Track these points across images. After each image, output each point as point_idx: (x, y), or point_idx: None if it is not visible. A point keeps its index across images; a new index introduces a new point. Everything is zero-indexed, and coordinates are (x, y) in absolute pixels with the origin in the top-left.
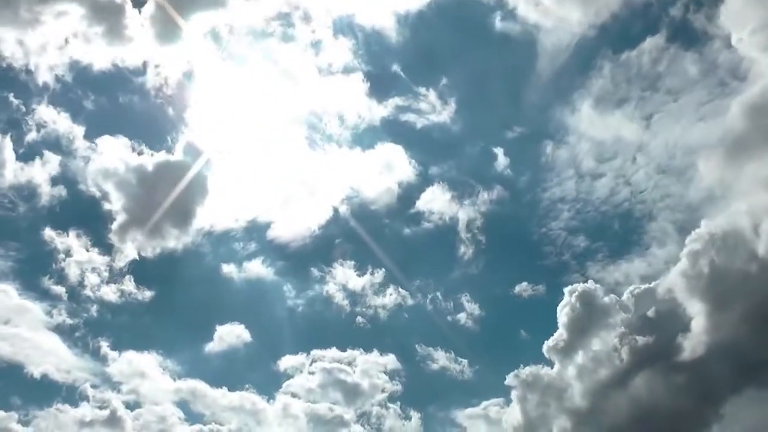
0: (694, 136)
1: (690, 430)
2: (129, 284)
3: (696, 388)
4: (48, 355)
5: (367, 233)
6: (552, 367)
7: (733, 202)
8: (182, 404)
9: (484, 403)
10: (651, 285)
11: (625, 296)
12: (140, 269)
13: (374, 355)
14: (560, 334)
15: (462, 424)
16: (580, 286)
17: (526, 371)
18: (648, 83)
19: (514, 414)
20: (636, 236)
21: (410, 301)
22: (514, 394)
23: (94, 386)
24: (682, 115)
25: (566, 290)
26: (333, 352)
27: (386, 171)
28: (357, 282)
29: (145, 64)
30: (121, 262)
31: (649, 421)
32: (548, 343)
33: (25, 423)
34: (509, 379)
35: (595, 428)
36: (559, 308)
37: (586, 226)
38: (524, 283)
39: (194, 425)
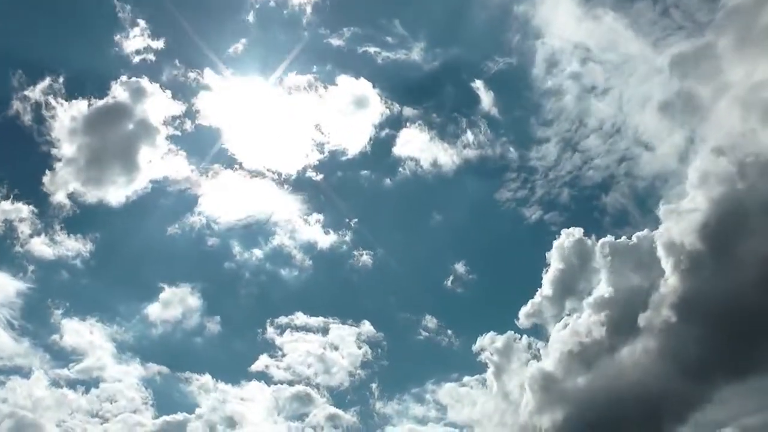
0: None
1: (675, 411)
2: (64, 238)
3: (688, 367)
4: None
5: (336, 182)
6: (531, 336)
7: None
8: (140, 385)
9: (466, 378)
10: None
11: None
12: (78, 222)
13: (347, 324)
14: (543, 294)
15: (441, 401)
16: (575, 232)
17: (501, 338)
18: None
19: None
20: None
21: (386, 262)
22: (485, 358)
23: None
24: None
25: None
26: (300, 319)
27: (356, 110)
28: (325, 240)
29: None
30: (55, 215)
31: (633, 398)
32: (525, 309)
33: None
34: (478, 345)
35: (572, 406)
36: (551, 252)
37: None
38: (519, 242)
39: (159, 418)
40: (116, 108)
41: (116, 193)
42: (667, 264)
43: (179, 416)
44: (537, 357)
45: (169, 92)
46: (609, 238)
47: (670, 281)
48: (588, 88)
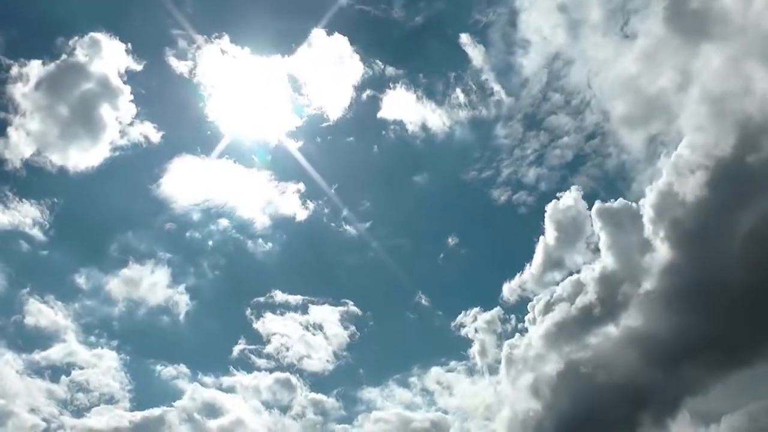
0: None
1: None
2: (19, 205)
3: (691, 349)
4: None
5: (315, 149)
6: (519, 313)
7: None
8: (115, 373)
9: (453, 363)
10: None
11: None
12: (35, 190)
13: (329, 304)
14: (533, 266)
15: (428, 388)
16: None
17: (487, 314)
18: None
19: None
20: None
21: (370, 237)
22: (465, 333)
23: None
24: None
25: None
26: (279, 298)
27: (334, 70)
28: (302, 213)
29: None
30: (9, 182)
31: (628, 382)
32: (509, 284)
33: None
34: (458, 320)
35: (557, 392)
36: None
37: None
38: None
39: (136, 410)
40: (73, 67)
41: (78, 159)
42: (659, 233)
43: (157, 407)
44: (520, 333)
45: (129, 45)
46: (609, 203)
47: (667, 253)
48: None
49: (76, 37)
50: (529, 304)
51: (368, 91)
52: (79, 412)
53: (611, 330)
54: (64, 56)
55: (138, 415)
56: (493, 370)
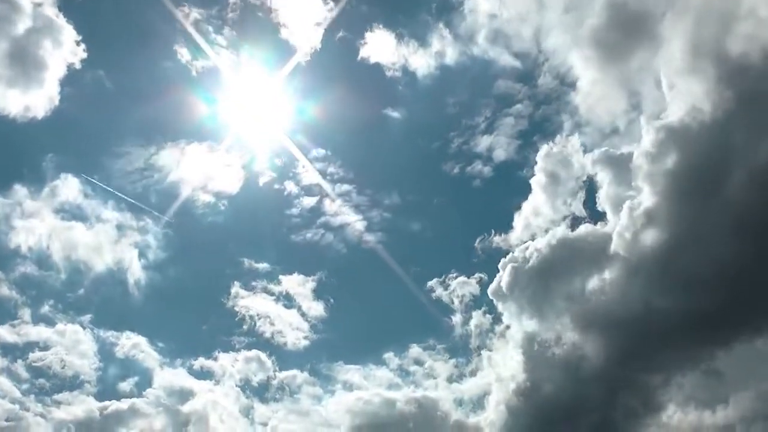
0: None
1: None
2: None
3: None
4: None
5: (286, 102)
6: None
7: None
8: (82, 353)
9: (431, 341)
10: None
11: None
12: None
13: (302, 274)
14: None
15: (409, 369)
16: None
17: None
18: None
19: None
20: None
21: (345, 201)
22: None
23: None
24: None
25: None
26: (252, 270)
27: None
28: (268, 174)
29: None
30: None
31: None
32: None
33: None
34: (430, 285)
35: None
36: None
37: None
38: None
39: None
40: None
41: (18, 105)
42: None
43: (127, 394)
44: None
45: None
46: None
47: (662, 211)
48: None
49: None
50: (501, 262)
51: (341, 33)
52: (46, 394)
53: (598, 296)
54: None
55: (108, 404)
56: (468, 344)
